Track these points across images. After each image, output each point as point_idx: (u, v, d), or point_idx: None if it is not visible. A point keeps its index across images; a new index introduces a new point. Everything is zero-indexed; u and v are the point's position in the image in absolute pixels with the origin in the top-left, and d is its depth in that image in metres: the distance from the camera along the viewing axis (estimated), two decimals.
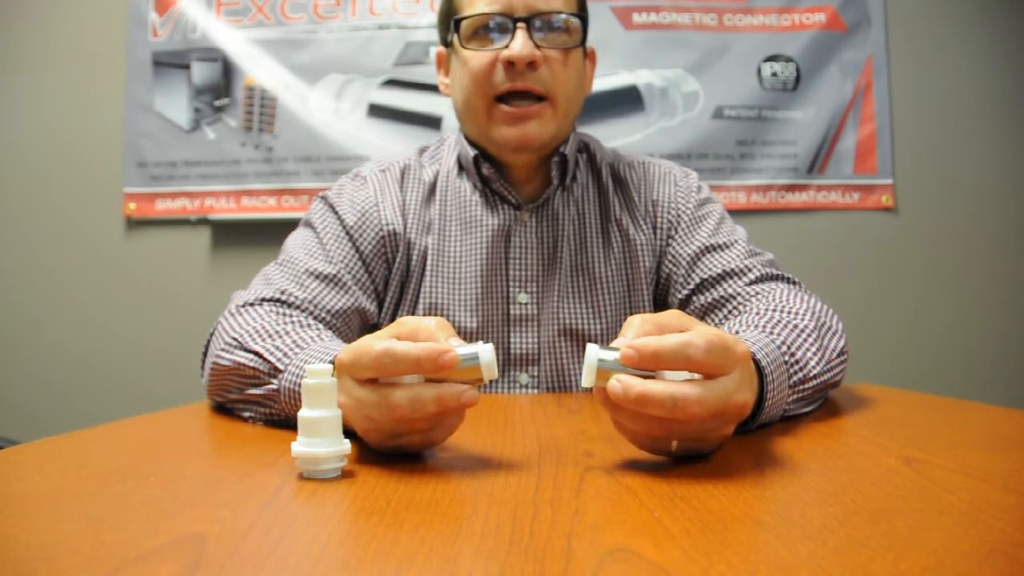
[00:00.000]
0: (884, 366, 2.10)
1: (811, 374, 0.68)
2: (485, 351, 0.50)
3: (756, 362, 0.59)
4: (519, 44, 0.88)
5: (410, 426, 0.51)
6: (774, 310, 0.76)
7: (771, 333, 0.69)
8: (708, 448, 0.52)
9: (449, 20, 0.94)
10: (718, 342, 0.48)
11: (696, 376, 0.48)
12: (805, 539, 0.34)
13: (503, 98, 0.91)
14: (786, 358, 0.66)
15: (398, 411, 0.50)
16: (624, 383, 0.47)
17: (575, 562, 0.32)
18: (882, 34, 2.18)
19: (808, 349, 0.70)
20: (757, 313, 0.76)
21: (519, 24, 0.88)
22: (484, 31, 0.91)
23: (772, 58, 2.19)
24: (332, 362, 0.61)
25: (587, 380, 0.49)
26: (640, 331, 0.49)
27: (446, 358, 0.49)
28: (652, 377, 0.48)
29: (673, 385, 0.46)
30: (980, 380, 2.12)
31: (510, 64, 0.88)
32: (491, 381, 0.94)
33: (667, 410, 0.46)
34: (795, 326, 0.72)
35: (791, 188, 2.18)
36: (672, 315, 0.52)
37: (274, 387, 0.69)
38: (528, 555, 0.33)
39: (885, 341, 2.14)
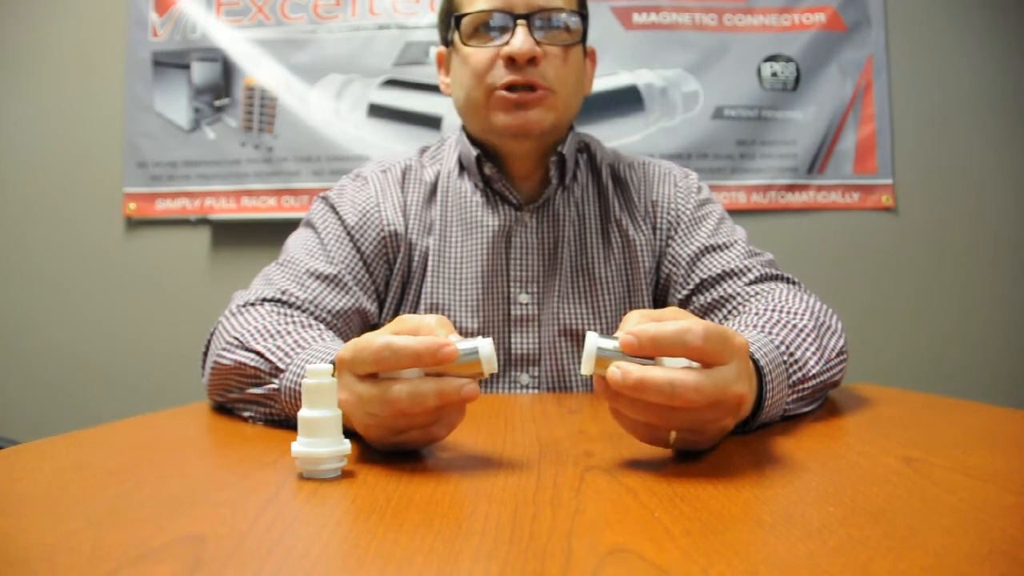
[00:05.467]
0: (884, 366, 2.10)
1: (810, 373, 0.68)
2: (484, 345, 0.51)
3: (755, 361, 0.59)
4: (519, 40, 0.88)
5: (410, 421, 0.51)
6: (773, 310, 0.76)
7: (770, 333, 0.69)
8: (707, 442, 0.52)
9: (450, 18, 0.94)
10: (716, 330, 0.48)
11: (695, 365, 0.48)
12: (805, 539, 0.34)
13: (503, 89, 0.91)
14: (785, 358, 0.66)
15: (398, 405, 0.50)
16: (623, 369, 0.47)
17: (575, 562, 0.32)
18: (882, 34, 2.18)
19: (807, 349, 0.70)
20: (756, 313, 0.76)
21: (519, 21, 0.88)
22: (485, 28, 0.91)
23: (772, 58, 2.19)
24: (333, 362, 0.61)
25: (586, 368, 0.49)
26: (637, 325, 0.50)
27: (446, 351, 0.49)
28: (652, 365, 0.48)
29: (672, 371, 0.47)
30: (980, 380, 2.12)
31: (510, 60, 0.89)
32: (492, 381, 0.95)
33: (665, 396, 0.46)
34: (794, 326, 0.72)
35: (791, 188, 2.18)
36: (670, 311, 0.52)
37: (275, 386, 0.69)
38: (528, 555, 0.33)
39: (885, 341, 2.14)
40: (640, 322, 0.50)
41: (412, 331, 0.53)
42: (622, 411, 0.50)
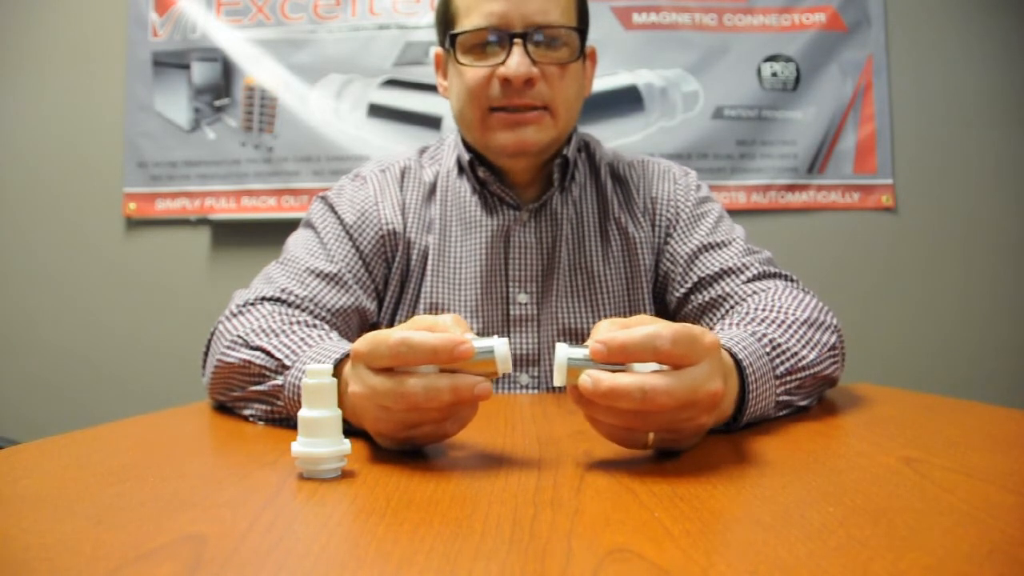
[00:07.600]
0: (884, 366, 2.10)
1: (801, 363, 0.69)
2: (500, 344, 0.51)
3: (733, 356, 0.59)
4: (515, 62, 0.87)
5: (423, 416, 0.51)
6: (763, 309, 0.76)
7: (749, 327, 0.70)
8: (686, 441, 0.52)
9: (446, 24, 0.94)
10: (684, 332, 0.48)
11: (665, 368, 0.49)
12: (805, 539, 0.34)
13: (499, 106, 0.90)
14: (767, 350, 0.66)
15: (413, 399, 0.50)
16: (594, 377, 0.47)
17: (575, 562, 0.32)
18: (882, 34, 2.18)
19: (798, 341, 0.70)
20: (745, 312, 0.77)
21: (516, 40, 0.87)
22: (480, 45, 0.90)
23: (772, 58, 2.19)
24: (338, 361, 0.62)
25: (558, 379, 0.50)
26: (607, 333, 0.50)
27: (462, 348, 0.49)
28: (622, 371, 0.48)
29: (641, 376, 0.47)
30: (980, 380, 2.12)
31: (506, 81, 0.88)
32: (493, 381, 0.95)
33: (636, 401, 0.47)
34: (783, 320, 0.73)
35: (791, 188, 2.18)
36: (638, 318, 0.53)
37: (279, 383, 0.69)
38: (528, 555, 0.33)
39: (885, 341, 2.14)
40: (609, 330, 0.50)
41: (428, 328, 0.53)
42: (598, 418, 0.50)
